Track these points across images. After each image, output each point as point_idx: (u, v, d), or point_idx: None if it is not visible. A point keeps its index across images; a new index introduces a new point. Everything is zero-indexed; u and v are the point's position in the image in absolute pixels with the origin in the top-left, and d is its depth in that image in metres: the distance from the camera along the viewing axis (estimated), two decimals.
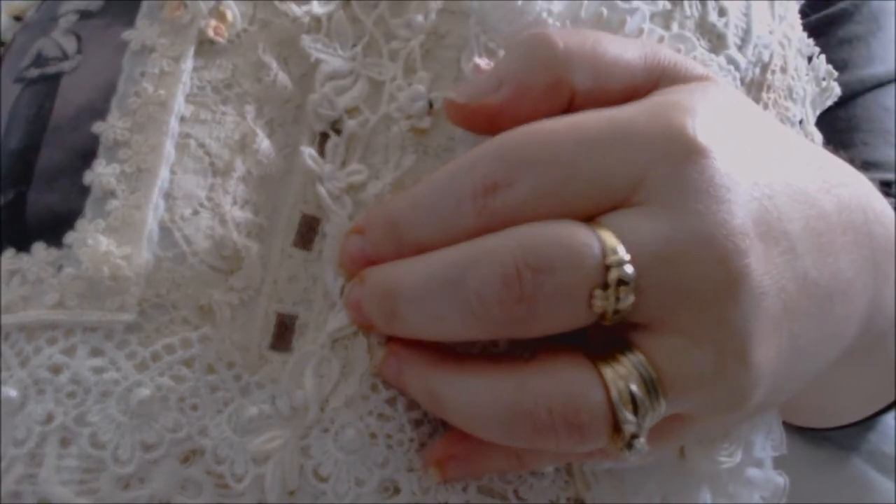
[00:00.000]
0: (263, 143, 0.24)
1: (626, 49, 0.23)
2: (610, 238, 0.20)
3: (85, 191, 0.23)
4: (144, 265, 0.23)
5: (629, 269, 0.20)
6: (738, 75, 0.29)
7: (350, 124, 0.25)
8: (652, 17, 0.27)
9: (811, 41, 0.32)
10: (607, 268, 0.20)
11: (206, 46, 0.25)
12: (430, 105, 0.25)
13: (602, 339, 0.21)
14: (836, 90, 0.32)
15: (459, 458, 0.23)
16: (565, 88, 0.22)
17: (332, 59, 0.25)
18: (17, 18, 0.27)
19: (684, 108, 0.21)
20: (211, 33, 0.25)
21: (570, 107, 0.22)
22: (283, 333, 0.23)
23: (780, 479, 0.28)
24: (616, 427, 0.20)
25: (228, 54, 0.25)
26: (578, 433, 0.20)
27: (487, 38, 0.25)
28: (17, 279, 0.23)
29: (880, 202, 0.27)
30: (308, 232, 0.24)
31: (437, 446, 0.23)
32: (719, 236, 0.20)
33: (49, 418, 0.21)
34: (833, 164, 0.25)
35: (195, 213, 0.23)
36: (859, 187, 0.26)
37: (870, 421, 0.39)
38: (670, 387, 0.20)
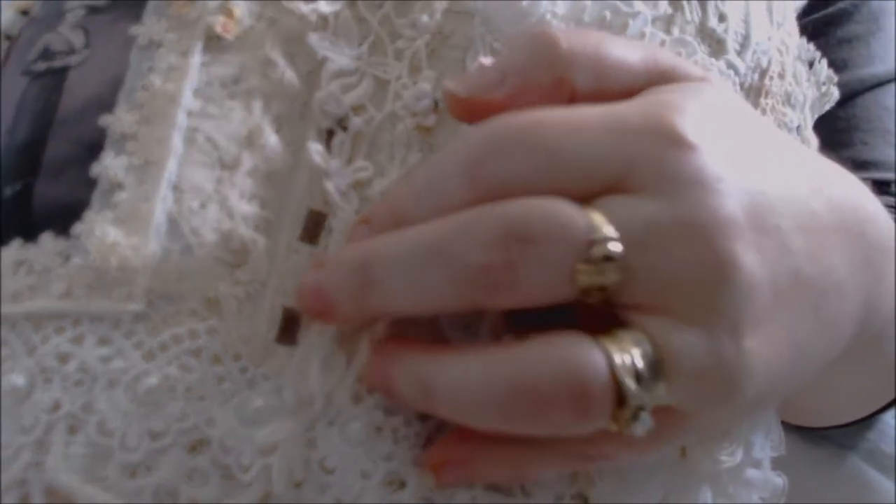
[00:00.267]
0: (271, 139, 0.24)
1: (628, 51, 0.23)
2: (598, 216, 0.20)
3: (92, 183, 0.23)
4: (152, 256, 0.23)
5: (615, 246, 0.20)
6: (737, 80, 0.30)
7: (356, 121, 0.25)
8: (653, 21, 0.28)
9: (811, 46, 0.33)
10: (593, 243, 0.20)
11: (213, 42, 0.25)
12: (436, 104, 0.25)
13: (597, 325, 0.21)
14: (836, 95, 0.33)
15: (456, 463, 0.23)
16: (566, 87, 0.23)
17: (338, 58, 0.25)
18: (24, 13, 0.28)
19: (675, 106, 0.22)
20: (219, 29, 0.25)
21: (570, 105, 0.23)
22: (290, 327, 0.23)
23: (779, 480, 0.29)
24: (619, 403, 0.20)
25: (236, 50, 0.25)
26: (582, 406, 0.20)
27: (493, 39, 0.26)
28: (24, 269, 0.23)
29: (873, 203, 0.27)
30: (314, 227, 0.24)
31: (435, 450, 0.23)
32: (710, 224, 0.20)
33: (56, 406, 0.21)
34: (825, 166, 0.26)
35: (203, 205, 0.23)
36: (851, 189, 0.26)
37: (868, 420, 0.39)
38: (668, 366, 0.20)
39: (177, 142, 0.24)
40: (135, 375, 0.22)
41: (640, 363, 0.20)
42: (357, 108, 0.25)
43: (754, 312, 0.21)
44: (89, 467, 0.21)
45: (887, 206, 0.38)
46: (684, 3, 0.29)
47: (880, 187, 0.40)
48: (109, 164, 0.23)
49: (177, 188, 0.23)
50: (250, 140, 0.24)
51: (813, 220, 0.23)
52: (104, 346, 0.22)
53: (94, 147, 0.24)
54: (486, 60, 0.25)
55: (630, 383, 0.20)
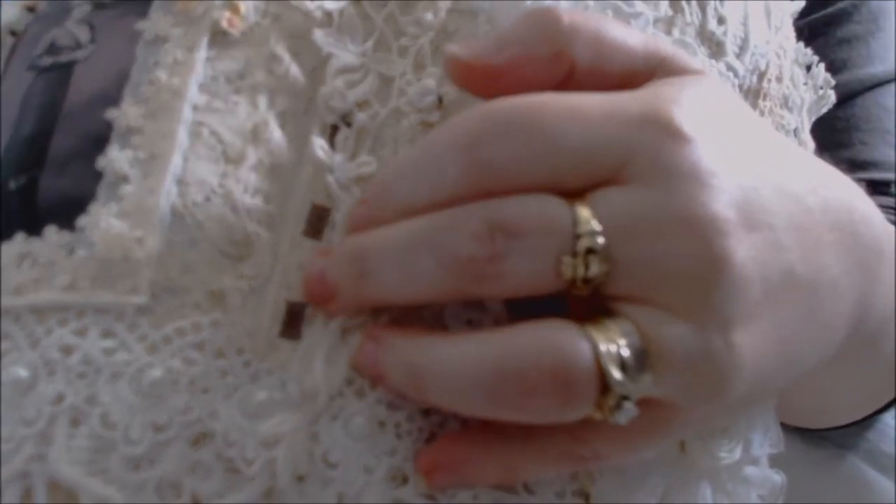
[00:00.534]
0: (275, 133, 0.24)
1: (629, 34, 0.24)
2: (584, 211, 0.21)
3: (98, 176, 0.23)
4: (156, 249, 0.23)
5: (599, 239, 0.20)
6: (736, 82, 0.30)
7: (360, 117, 0.25)
8: (655, 22, 0.28)
9: (809, 50, 0.33)
10: (578, 237, 0.20)
11: (219, 38, 0.25)
12: (440, 100, 0.25)
13: (591, 316, 0.21)
14: (832, 98, 0.33)
15: (448, 467, 0.23)
16: (566, 61, 0.23)
17: (342, 54, 0.25)
18: (30, 10, 0.28)
19: (673, 99, 0.22)
20: (225, 24, 0.25)
21: (568, 82, 0.23)
22: (293, 321, 0.23)
23: (778, 478, 0.29)
24: (603, 391, 0.20)
25: (241, 46, 0.25)
26: (567, 393, 0.20)
27: None
28: (28, 262, 0.23)
29: (868, 205, 0.27)
30: (318, 222, 0.24)
31: (427, 453, 0.23)
32: (702, 218, 0.20)
33: (59, 398, 0.21)
34: (820, 167, 0.26)
35: (207, 199, 0.23)
36: (847, 190, 0.26)
37: (868, 420, 0.39)
38: (655, 357, 0.20)
39: (182, 136, 0.24)
40: (138, 368, 0.22)
41: (625, 352, 0.20)
42: (361, 104, 0.25)
43: (744, 308, 0.21)
44: (92, 460, 0.21)
45: (887, 206, 0.38)
46: (684, 4, 0.29)
47: (880, 187, 0.40)
48: (115, 158, 0.23)
49: (182, 182, 0.23)
50: (255, 135, 0.24)
51: (807, 219, 0.23)
52: (108, 338, 0.22)
53: (99, 141, 0.24)
54: None
55: (614, 371, 0.20)
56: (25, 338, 0.22)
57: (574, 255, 0.20)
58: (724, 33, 0.30)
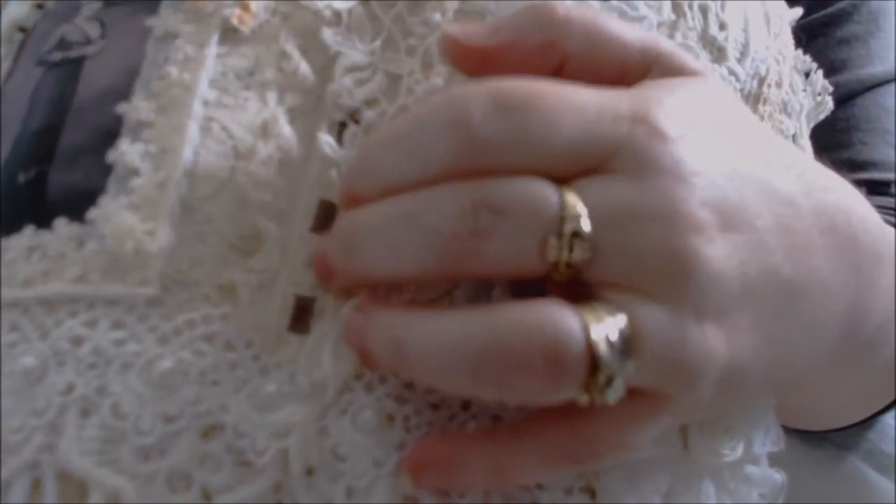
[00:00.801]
0: (285, 129, 0.25)
1: (625, 29, 0.24)
2: (572, 196, 0.21)
3: (108, 169, 0.23)
4: (167, 241, 0.23)
5: (585, 223, 0.21)
6: (737, 87, 0.31)
7: (368, 114, 0.25)
8: (658, 26, 0.29)
9: (808, 57, 0.33)
10: (564, 220, 0.21)
11: (229, 35, 0.25)
12: None
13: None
14: (830, 105, 0.34)
15: (435, 466, 0.23)
16: (557, 52, 0.23)
17: (351, 53, 0.26)
18: (39, 7, 0.28)
19: (662, 101, 0.22)
20: (235, 21, 0.25)
21: (560, 72, 0.23)
22: (302, 316, 0.24)
23: (779, 476, 0.29)
24: (592, 370, 0.20)
25: (251, 43, 0.25)
26: (556, 370, 0.20)
27: None
28: (38, 255, 0.23)
29: (867, 209, 0.28)
30: (326, 217, 0.25)
31: (413, 451, 0.23)
32: (675, 214, 0.21)
33: (70, 389, 0.21)
34: (817, 170, 0.26)
35: (217, 193, 0.24)
36: (844, 193, 0.26)
37: (868, 421, 0.39)
38: (638, 341, 0.20)
39: (193, 130, 0.24)
40: (149, 359, 0.22)
41: (613, 334, 0.20)
42: (370, 102, 0.25)
43: (718, 302, 0.21)
44: (103, 450, 0.21)
45: (886, 206, 0.39)
46: (686, 9, 0.30)
47: (880, 187, 0.41)
48: (125, 151, 0.23)
49: (192, 175, 0.23)
50: (265, 130, 0.24)
51: (797, 221, 0.23)
52: (118, 329, 0.22)
53: (110, 135, 0.24)
54: None
55: (605, 349, 0.20)
56: (35, 329, 0.22)
57: (559, 237, 0.21)
58: (726, 38, 0.30)
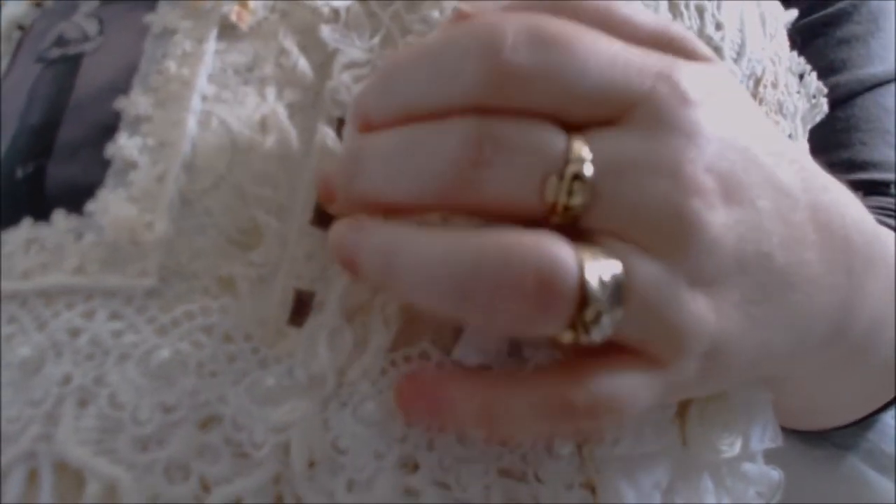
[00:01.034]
0: (284, 123, 0.25)
1: (638, 11, 0.24)
2: (578, 142, 0.21)
3: (106, 163, 0.23)
4: (165, 234, 0.23)
5: (588, 168, 0.20)
6: None
7: None
8: None
9: (802, 59, 0.34)
10: (567, 162, 0.20)
11: (228, 31, 0.25)
12: None
13: None
14: (825, 108, 0.34)
15: (424, 399, 0.22)
16: None
17: (349, 49, 0.26)
18: (38, 5, 0.28)
19: (686, 69, 0.22)
20: (234, 17, 0.25)
21: None
22: (301, 309, 0.23)
23: (776, 474, 0.29)
24: (580, 307, 0.20)
25: (250, 39, 0.26)
26: (547, 297, 0.19)
27: None
28: (36, 247, 0.23)
29: (861, 212, 0.28)
30: (325, 211, 0.25)
31: (403, 385, 0.22)
32: (685, 173, 0.21)
33: (67, 379, 0.21)
34: (816, 170, 0.26)
35: (216, 186, 0.24)
36: (841, 195, 0.27)
37: (868, 421, 0.39)
38: (628, 289, 0.20)
39: (191, 124, 0.24)
40: (147, 350, 0.22)
41: (606, 275, 0.20)
42: None
43: (711, 271, 0.21)
44: (100, 440, 0.21)
45: (886, 206, 0.39)
46: (683, 9, 0.30)
47: (880, 188, 0.41)
48: (124, 145, 0.23)
49: (191, 169, 0.23)
50: (264, 125, 0.25)
51: (794, 213, 0.24)
52: (116, 320, 0.22)
53: (108, 129, 0.24)
54: None
55: (597, 286, 0.20)
56: (32, 321, 0.22)
57: (560, 177, 0.20)
58: (722, 39, 0.31)
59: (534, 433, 0.23)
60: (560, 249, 0.20)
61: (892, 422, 0.41)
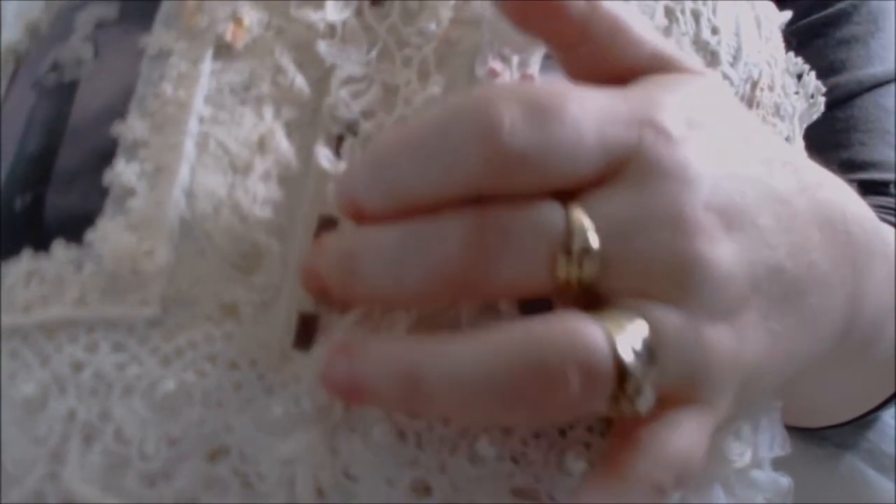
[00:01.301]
0: (282, 143, 0.24)
1: (646, 33, 0.24)
2: (578, 212, 0.21)
3: (105, 191, 0.23)
4: (166, 261, 0.22)
5: (593, 238, 0.20)
6: (731, 90, 0.31)
7: (366, 126, 0.25)
8: None
9: (799, 59, 0.33)
10: (572, 236, 0.20)
11: (223, 51, 0.25)
12: None
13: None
14: (822, 107, 0.34)
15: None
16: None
17: (347, 64, 0.25)
18: (33, 31, 0.27)
19: (664, 101, 0.22)
20: (228, 37, 0.25)
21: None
22: (306, 332, 0.23)
23: (784, 481, 0.29)
24: (620, 380, 0.20)
25: (245, 58, 0.25)
26: (592, 384, 0.19)
27: (500, 45, 0.26)
28: (36, 279, 0.23)
29: (860, 206, 0.28)
30: (327, 229, 0.24)
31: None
32: (682, 218, 0.21)
33: (72, 415, 0.21)
34: (811, 168, 0.26)
35: (216, 210, 0.23)
36: (837, 190, 0.27)
37: (867, 420, 0.39)
38: (658, 345, 0.20)
39: (189, 147, 0.23)
40: (151, 382, 0.21)
41: (637, 343, 0.20)
42: (367, 114, 0.25)
43: (729, 302, 0.21)
44: (107, 477, 0.20)
45: (887, 206, 0.39)
46: (679, 14, 0.30)
47: (879, 188, 0.41)
48: (122, 171, 0.23)
49: (190, 193, 0.23)
50: (262, 145, 0.24)
51: (794, 219, 0.24)
52: (119, 352, 0.22)
53: (106, 156, 0.24)
54: (496, 64, 0.25)
55: (632, 359, 0.20)
56: (35, 356, 0.22)
57: (568, 255, 0.20)
58: (719, 43, 0.30)
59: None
60: (588, 329, 0.20)
61: (892, 422, 0.41)
